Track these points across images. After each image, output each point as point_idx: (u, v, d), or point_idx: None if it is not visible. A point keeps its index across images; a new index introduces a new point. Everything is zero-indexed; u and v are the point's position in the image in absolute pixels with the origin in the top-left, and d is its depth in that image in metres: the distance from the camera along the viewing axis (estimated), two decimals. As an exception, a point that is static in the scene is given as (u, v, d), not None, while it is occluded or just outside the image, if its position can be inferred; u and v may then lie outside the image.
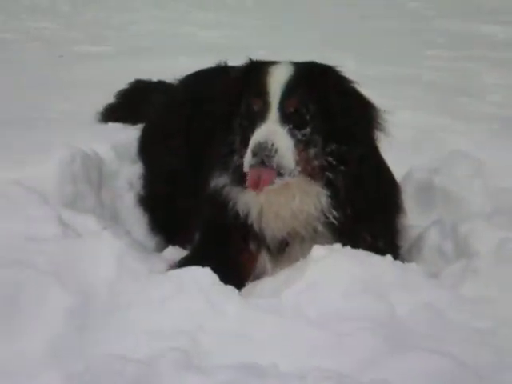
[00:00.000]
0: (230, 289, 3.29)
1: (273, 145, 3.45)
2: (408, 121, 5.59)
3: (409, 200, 4.49)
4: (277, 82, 3.61)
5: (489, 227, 3.82)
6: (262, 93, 3.61)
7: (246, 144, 3.57)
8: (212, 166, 3.86)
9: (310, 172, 3.60)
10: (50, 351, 2.92)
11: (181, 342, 2.90)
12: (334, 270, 3.33)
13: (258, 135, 3.49)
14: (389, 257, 3.49)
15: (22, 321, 2.99)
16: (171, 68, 5.80)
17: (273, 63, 3.77)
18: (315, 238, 3.70)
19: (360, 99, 3.79)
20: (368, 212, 3.74)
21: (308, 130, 3.58)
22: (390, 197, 3.98)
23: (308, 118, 3.59)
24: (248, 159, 3.48)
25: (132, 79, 5.95)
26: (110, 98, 5.82)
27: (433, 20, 11.82)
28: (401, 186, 4.20)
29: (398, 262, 3.49)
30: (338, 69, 3.79)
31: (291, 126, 3.54)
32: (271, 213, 3.68)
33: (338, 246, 3.54)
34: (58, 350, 2.92)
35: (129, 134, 5.08)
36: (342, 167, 3.63)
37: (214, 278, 3.30)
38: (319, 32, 10.15)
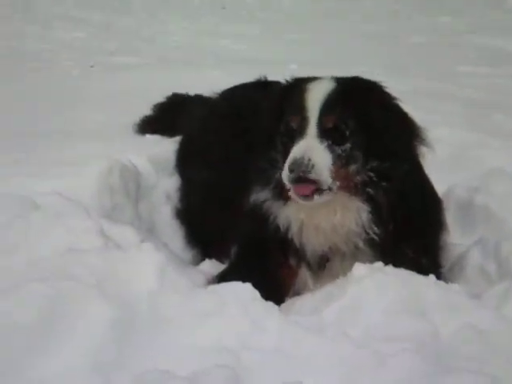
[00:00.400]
0: (271, 305, 3.27)
1: (309, 160, 3.44)
2: (445, 137, 5.53)
3: (449, 218, 4.45)
4: (315, 97, 3.61)
5: (531, 247, 3.78)
6: (301, 109, 3.60)
7: (283, 160, 3.58)
8: (252, 181, 3.86)
9: (351, 188, 3.59)
10: (92, 364, 2.90)
11: (224, 358, 2.88)
12: (376, 289, 3.30)
13: (295, 151, 3.49)
14: (431, 276, 3.45)
15: (64, 333, 2.98)
16: (203, 81, 5.83)
17: (314, 79, 3.77)
18: (356, 255, 3.68)
19: (402, 115, 3.77)
20: (411, 229, 3.71)
21: (348, 145, 3.57)
22: (434, 213, 3.94)
23: (347, 133, 3.57)
24: (285, 175, 3.48)
25: (165, 91, 5.98)
26: (144, 110, 5.84)
27: (463, 35, 11.77)
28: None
29: (441, 282, 3.46)
30: (382, 85, 3.77)
31: (330, 141, 3.54)
32: (312, 227, 3.67)
33: (379, 264, 3.51)
34: (100, 364, 2.91)
35: (166, 147, 5.10)
36: (384, 183, 3.61)
37: (255, 293, 3.27)
38: (352, 47, 10.15)
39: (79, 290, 3.12)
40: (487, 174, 4.75)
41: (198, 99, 5.46)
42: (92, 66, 9.27)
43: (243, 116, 4.50)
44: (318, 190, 3.49)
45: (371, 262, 3.60)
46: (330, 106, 3.59)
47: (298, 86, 3.74)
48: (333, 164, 3.51)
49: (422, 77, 8.32)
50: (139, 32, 12.10)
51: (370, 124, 3.61)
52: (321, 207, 3.61)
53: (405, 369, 2.88)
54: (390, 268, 3.45)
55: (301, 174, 3.44)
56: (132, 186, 4.64)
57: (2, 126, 5.99)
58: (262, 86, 4.78)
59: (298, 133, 3.58)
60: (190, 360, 2.91)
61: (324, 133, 3.54)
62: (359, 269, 3.47)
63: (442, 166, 5.00)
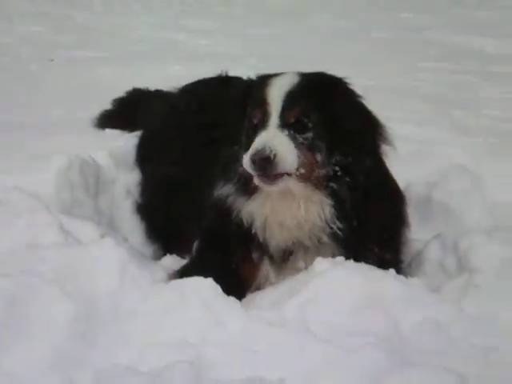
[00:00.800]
0: (233, 300, 3.28)
1: (270, 147, 3.45)
2: (405, 133, 5.55)
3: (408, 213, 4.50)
4: (277, 91, 3.62)
5: (489, 242, 3.81)
6: (262, 103, 3.62)
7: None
8: (215, 176, 3.85)
9: (315, 181, 3.60)
10: (54, 359, 2.91)
11: (186, 353, 2.88)
12: (337, 284, 3.32)
13: (257, 141, 3.51)
14: (392, 271, 3.48)
15: (24, 329, 2.98)
16: (164, 75, 5.81)
17: (277, 75, 3.78)
18: (320, 249, 3.69)
19: (366, 112, 3.79)
20: (374, 224, 3.73)
21: (310, 134, 3.58)
22: (396, 209, 3.96)
23: (310, 125, 3.59)
24: (248, 163, 3.48)
25: (125, 85, 5.94)
26: (104, 104, 5.80)
27: (424, 31, 11.84)
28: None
29: (401, 277, 3.49)
30: (346, 81, 3.79)
31: (292, 131, 3.55)
32: (276, 222, 3.67)
33: (341, 259, 3.53)
34: (61, 360, 2.91)
35: (127, 141, 5.07)
36: (347, 178, 3.63)
37: (216, 288, 3.28)
38: (314, 43, 10.17)
39: (40, 285, 3.11)
40: (446, 170, 4.79)
41: (159, 94, 5.44)
42: (52, 60, 9.17)
43: (204, 110, 4.50)
44: (281, 175, 3.50)
45: (334, 256, 3.62)
46: (291, 99, 3.60)
47: (261, 82, 3.76)
48: (296, 149, 3.53)
49: (383, 73, 8.36)
50: (98, 26, 11.99)
51: (334, 118, 3.63)
52: (284, 202, 3.62)
53: (367, 363, 2.90)
54: (351, 262, 3.47)
55: (263, 163, 3.44)
56: (92, 180, 4.60)
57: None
58: (223, 81, 4.77)
59: (261, 126, 3.59)
60: (151, 355, 2.91)
61: (286, 125, 3.56)
62: (321, 263, 3.48)
63: (402, 161, 4.99)
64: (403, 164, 4.88)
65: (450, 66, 9.35)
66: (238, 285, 3.64)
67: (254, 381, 2.69)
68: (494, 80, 8.33)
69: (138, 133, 5.07)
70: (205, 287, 3.26)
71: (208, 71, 5.00)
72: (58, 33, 11.21)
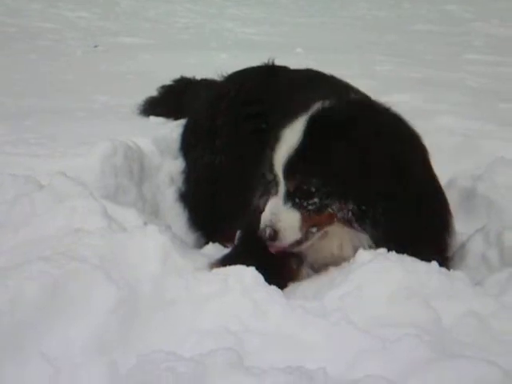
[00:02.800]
0: (274, 289, 3.28)
1: (274, 226, 3.54)
2: (451, 126, 5.55)
3: (452, 207, 4.47)
4: (281, 156, 3.60)
5: (532, 237, 3.80)
6: (271, 165, 3.65)
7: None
8: (257, 180, 3.87)
9: (339, 222, 3.59)
10: (96, 342, 2.92)
11: (227, 341, 2.89)
12: (379, 275, 3.30)
13: (264, 215, 3.59)
14: (434, 263, 3.45)
15: (68, 313, 2.99)
16: (209, 63, 5.81)
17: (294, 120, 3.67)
18: None
19: (384, 152, 3.54)
20: (415, 238, 3.63)
21: (315, 200, 3.56)
22: (439, 218, 3.85)
23: (313, 190, 3.55)
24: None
25: (170, 72, 5.97)
26: (148, 91, 5.83)
27: (469, 23, 11.73)
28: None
29: (443, 269, 3.46)
30: (376, 108, 3.71)
31: (296, 199, 3.56)
32: (311, 257, 3.75)
33: (383, 250, 3.51)
34: (104, 342, 2.93)
35: (171, 129, 5.10)
36: (367, 221, 3.56)
37: (258, 277, 3.28)
38: (357, 33, 10.12)
39: (83, 270, 3.13)
40: (491, 163, 4.75)
41: (205, 83, 5.44)
42: (96, 46, 9.25)
43: (249, 100, 4.49)
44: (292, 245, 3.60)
45: None
46: (291, 168, 3.57)
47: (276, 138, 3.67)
48: (302, 218, 3.56)
49: (428, 65, 8.29)
50: (143, 13, 12.06)
51: (339, 174, 3.52)
52: (319, 239, 3.65)
53: (407, 354, 2.88)
54: (393, 254, 3.45)
55: (269, 239, 3.56)
56: (136, 167, 4.65)
57: (8, 104, 5.99)
58: (270, 70, 4.75)
59: (273, 184, 3.66)
60: (193, 342, 2.92)
61: (289, 193, 3.59)
62: (362, 254, 3.48)
63: (447, 154, 5.01)
64: (448, 157, 4.89)
65: (496, 58, 9.26)
66: (279, 275, 3.65)
67: (295, 370, 2.69)
68: (541, 72, 8.23)
69: (183, 121, 5.08)
70: (247, 276, 3.26)
71: (254, 60, 5.00)
72: (103, 19, 11.30)
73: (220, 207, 4.44)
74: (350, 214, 3.55)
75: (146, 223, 3.88)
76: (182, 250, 3.65)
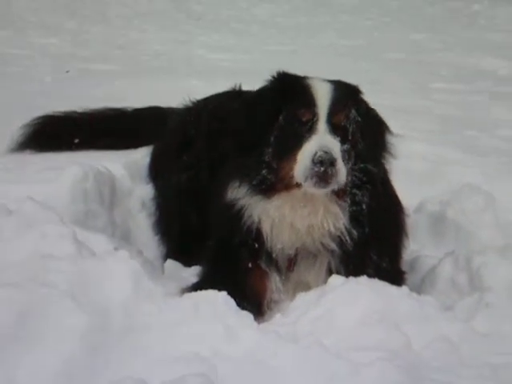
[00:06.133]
0: (245, 314, 3.28)
1: (332, 156, 3.48)
2: (419, 152, 5.62)
3: (421, 231, 4.54)
4: (323, 95, 3.66)
5: (501, 261, 3.85)
6: (311, 104, 3.63)
7: (285, 155, 3.60)
8: (227, 181, 3.86)
9: (339, 188, 3.62)
10: (65, 370, 2.88)
11: (199, 367, 2.87)
12: (350, 300, 3.33)
13: (317, 145, 3.51)
14: (405, 288, 3.50)
15: (36, 339, 2.95)
16: (182, 90, 5.81)
17: (306, 77, 3.81)
18: (324, 254, 3.76)
19: (383, 123, 3.89)
20: (379, 232, 3.78)
21: (347, 145, 3.63)
22: (398, 219, 4.03)
23: (350, 134, 3.65)
24: (306, 167, 3.49)
25: (140, 98, 5.96)
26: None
27: (438, 52, 11.89)
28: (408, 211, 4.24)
29: (414, 294, 3.49)
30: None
31: (339, 139, 3.59)
32: (287, 224, 3.70)
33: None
34: (73, 370, 2.88)
35: (141, 153, 5.08)
36: (369, 185, 3.67)
37: (230, 302, 3.28)
38: (329, 60, 10.22)
39: (53, 296, 3.09)
40: (459, 189, 4.82)
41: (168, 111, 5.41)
42: (68, 72, 9.23)
43: (217, 120, 4.49)
44: (333, 180, 3.52)
45: (337, 263, 3.72)
46: (339, 104, 3.65)
47: (298, 82, 3.76)
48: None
49: (397, 92, 8.40)
50: (114, 40, 12.06)
51: (361, 126, 3.70)
52: (303, 206, 3.66)
53: (378, 378, 2.90)
54: (363, 278, 3.47)
55: (327, 167, 3.45)
56: (107, 192, 4.62)
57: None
58: (235, 95, 4.79)
59: (307, 128, 3.60)
60: (164, 368, 2.90)
61: (335, 130, 3.59)
62: (335, 279, 3.49)
63: (416, 180, 5.07)
64: (417, 182, 4.95)
65: (463, 86, 9.40)
66: (250, 298, 3.68)
67: (266, 395, 2.69)
68: (506, 101, 8.35)
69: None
70: (218, 301, 3.25)
71: (224, 85, 5.03)
72: (74, 46, 11.28)
73: (193, 229, 4.41)
74: (356, 177, 3.66)
75: (116, 248, 3.86)
76: (153, 275, 3.65)
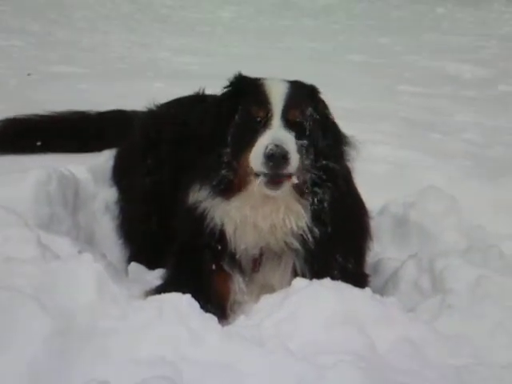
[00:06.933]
0: (210, 317, 3.27)
1: (285, 150, 3.49)
2: (383, 155, 5.67)
3: (384, 233, 4.57)
4: (277, 92, 3.70)
5: (464, 264, 3.89)
6: (264, 102, 3.67)
7: (241, 153, 3.63)
8: (189, 184, 3.87)
9: (300, 186, 3.65)
10: (29, 374, 2.85)
11: (164, 370, 2.87)
12: (314, 302, 3.33)
13: (270, 139, 3.53)
14: (368, 290, 3.51)
15: (2, 344, 2.93)
16: (145, 92, 5.80)
17: (263, 78, 3.85)
18: (288, 255, 3.78)
19: (337, 125, 3.92)
20: (343, 233, 3.80)
21: (305, 141, 3.66)
22: (362, 220, 4.07)
23: (307, 130, 3.68)
24: (259, 162, 3.51)
25: (105, 101, 5.94)
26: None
27: (402, 56, 11.98)
28: (372, 214, 4.30)
29: (377, 296, 3.51)
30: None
31: (294, 134, 3.62)
32: (250, 224, 3.72)
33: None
34: (38, 374, 2.86)
35: (106, 157, 5.06)
36: (330, 183, 3.69)
37: (194, 304, 3.28)
38: (293, 64, 10.25)
39: (16, 300, 3.07)
40: (423, 191, 4.86)
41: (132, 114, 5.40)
42: (29, 75, 9.14)
43: (179, 124, 4.52)
44: (286, 178, 3.56)
45: (302, 264, 3.75)
46: (293, 101, 3.68)
47: (254, 83, 3.81)
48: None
49: (362, 95, 8.45)
50: (78, 43, 11.99)
51: (320, 124, 3.74)
52: (264, 205, 3.68)
53: (343, 381, 2.91)
54: (327, 280, 3.49)
55: (279, 161, 3.47)
56: (70, 195, 4.60)
57: None
58: (198, 99, 4.80)
59: (262, 124, 3.62)
60: (129, 371, 2.89)
61: (289, 125, 3.62)
62: (298, 281, 3.51)
63: (380, 182, 5.11)
64: (380, 185, 4.98)
65: (428, 90, 9.48)
66: (214, 300, 3.68)
67: (231, 397, 2.69)
68: (469, 104, 8.45)
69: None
70: (182, 303, 3.25)
71: (188, 89, 5.03)
72: (37, 48, 11.18)
73: (156, 234, 4.41)
74: (316, 175, 3.68)
75: (80, 252, 3.85)
76: (117, 278, 3.64)
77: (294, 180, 3.59)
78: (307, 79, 4.00)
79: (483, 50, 12.46)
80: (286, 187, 3.59)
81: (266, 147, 3.49)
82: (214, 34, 13.55)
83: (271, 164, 3.48)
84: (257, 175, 3.57)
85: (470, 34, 14.19)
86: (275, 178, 3.53)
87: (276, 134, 3.55)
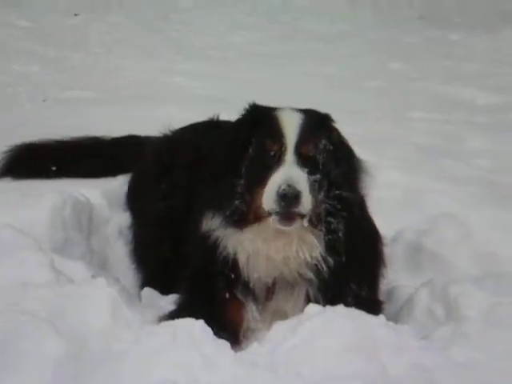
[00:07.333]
0: (223, 342, 3.28)
1: (299, 188, 3.50)
2: (396, 181, 5.67)
3: (398, 260, 4.56)
4: (291, 126, 3.69)
5: (478, 291, 3.87)
6: (278, 136, 3.67)
7: (254, 187, 3.64)
8: (201, 212, 3.89)
9: (313, 218, 3.66)
10: (42, 400, 2.89)
11: (176, 395, 2.88)
12: (327, 328, 3.33)
13: (282, 178, 3.53)
14: (381, 316, 3.51)
15: (15, 367, 2.96)
16: (161, 117, 5.83)
17: (278, 108, 3.85)
18: (301, 283, 3.78)
19: (353, 150, 3.92)
20: (357, 261, 3.80)
21: (318, 176, 3.66)
22: (376, 247, 4.06)
23: (320, 162, 3.68)
24: (272, 201, 3.52)
25: (118, 126, 5.97)
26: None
27: (414, 81, 11.99)
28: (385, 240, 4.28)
29: (391, 323, 3.51)
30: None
31: (307, 170, 3.61)
32: (262, 256, 3.73)
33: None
34: (51, 399, 2.89)
35: (120, 181, 5.09)
36: (344, 213, 3.69)
37: (207, 330, 3.28)
38: (305, 89, 10.27)
39: (31, 324, 3.10)
40: (436, 217, 4.86)
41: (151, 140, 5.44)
42: (45, 100, 9.21)
43: (194, 150, 4.54)
44: (298, 215, 3.56)
45: (315, 292, 3.75)
46: (307, 135, 3.69)
47: (268, 114, 3.80)
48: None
49: (373, 121, 8.46)
50: (94, 67, 12.06)
51: (333, 154, 3.74)
52: (277, 237, 3.68)
53: (355, 408, 2.92)
54: (340, 307, 3.49)
55: (291, 201, 3.48)
56: (85, 219, 4.63)
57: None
58: (213, 125, 4.83)
59: (275, 160, 3.63)
60: (142, 397, 2.90)
61: (302, 161, 3.62)
62: (311, 308, 3.51)
63: (393, 208, 5.11)
64: (393, 211, 4.98)
65: (440, 116, 9.46)
66: (227, 327, 3.69)
67: (244, 424, 2.69)
68: (483, 131, 8.43)
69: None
70: (196, 329, 3.26)
71: (202, 113, 5.06)
72: (53, 73, 11.26)
73: (170, 255, 4.42)
74: (330, 205, 3.67)
75: (94, 276, 3.88)
76: (130, 302, 3.66)
77: (307, 217, 3.60)
78: (320, 104, 4.01)
79: (496, 77, 12.44)
80: (300, 223, 3.60)
81: (279, 187, 3.49)
82: (225, 58, 13.59)
83: (283, 204, 3.49)
84: (269, 213, 3.58)
85: (482, 60, 14.17)
86: (288, 215, 3.54)
87: (289, 173, 3.55)
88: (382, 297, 4.14)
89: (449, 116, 9.45)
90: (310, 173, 3.63)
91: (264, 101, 3.97)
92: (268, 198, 3.54)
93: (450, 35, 16.71)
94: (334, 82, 11.48)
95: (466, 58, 14.51)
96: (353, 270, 3.80)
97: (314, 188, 3.63)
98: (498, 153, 7.35)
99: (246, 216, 3.69)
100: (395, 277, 4.56)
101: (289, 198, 3.48)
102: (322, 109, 3.96)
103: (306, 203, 3.54)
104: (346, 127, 3.92)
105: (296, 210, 3.52)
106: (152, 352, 3.12)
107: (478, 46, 15.76)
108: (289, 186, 3.49)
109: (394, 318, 3.91)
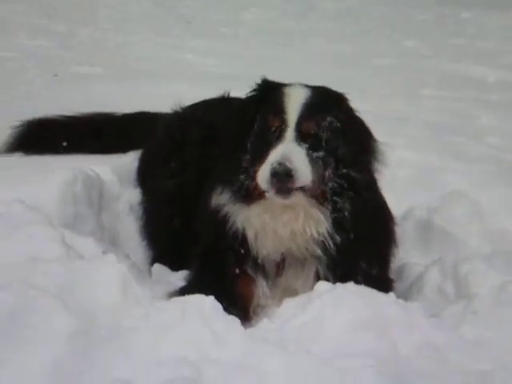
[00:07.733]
0: (232, 318, 3.28)
1: (291, 166, 3.49)
2: (406, 159, 5.65)
3: (408, 238, 4.55)
4: (295, 102, 3.68)
5: (488, 269, 3.88)
6: (280, 112, 3.65)
7: (257, 162, 3.63)
8: (212, 187, 3.89)
9: (319, 195, 3.65)
10: (52, 373, 2.88)
11: (186, 371, 2.88)
12: (337, 306, 3.32)
13: (277, 155, 3.53)
14: (392, 294, 3.50)
15: (25, 342, 2.96)
16: (172, 94, 5.81)
17: (288, 84, 3.83)
18: (311, 260, 3.77)
19: (368, 130, 3.88)
20: (366, 240, 3.79)
21: (321, 152, 3.64)
22: (387, 227, 4.05)
23: (323, 140, 3.65)
24: (264, 178, 3.53)
25: (128, 102, 5.95)
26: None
27: (426, 59, 11.93)
28: (397, 220, 4.26)
29: (401, 301, 3.50)
30: (348, 97, 3.87)
31: (307, 146, 3.59)
32: (270, 231, 3.72)
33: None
34: (60, 372, 2.89)
35: (131, 158, 5.09)
36: (351, 192, 3.67)
37: (217, 306, 3.28)
38: (317, 66, 10.24)
39: (40, 299, 3.10)
40: (447, 195, 4.85)
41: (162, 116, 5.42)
42: (56, 75, 9.19)
43: (204, 126, 4.56)
44: (296, 189, 3.56)
45: (325, 269, 3.74)
46: (309, 112, 3.66)
47: (274, 90, 3.79)
48: (310, 164, 3.58)
49: (385, 99, 8.42)
50: (102, 43, 12.02)
51: (342, 132, 3.70)
52: (284, 212, 3.68)
53: (365, 384, 2.91)
54: (351, 285, 3.48)
55: (283, 178, 3.48)
56: (95, 195, 4.63)
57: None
58: (224, 102, 4.82)
59: (276, 136, 3.63)
60: (151, 372, 2.90)
61: (302, 138, 3.61)
62: (321, 285, 3.50)
63: (403, 186, 5.09)
64: (404, 189, 4.96)
65: (451, 93, 9.42)
66: (237, 303, 3.70)
67: (253, 399, 2.70)
68: (494, 108, 8.39)
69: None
70: (206, 305, 3.25)
71: (213, 90, 5.04)
72: (62, 48, 11.23)
73: (182, 235, 4.42)
74: (337, 183, 3.67)
75: (104, 252, 3.89)
76: (140, 278, 3.66)
77: (306, 190, 3.59)
78: (331, 82, 3.99)
79: (507, 55, 12.37)
80: (299, 196, 3.59)
81: (272, 165, 3.50)
82: (237, 35, 13.54)
83: (275, 181, 3.50)
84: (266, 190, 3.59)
85: (494, 38, 14.09)
86: (283, 189, 3.53)
87: (283, 151, 3.55)
88: (392, 275, 4.13)
89: (460, 94, 9.40)
90: (311, 149, 3.61)
91: (275, 78, 3.95)
92: (262, 176, 3.55)
93: (462, 13, 16.60)
94: (345, 59, 11.43)
95: (477, 35, 14.42)
96: (362, 248, 3.79)
97: (318, 164, 3.61)
98: (508, 131, 7.31)
99: (252, 192, 3.69)
100: (405, 255, 4.56)
101: (280, 175, 3.48)
102: (333, 86, 3.94)
103: (303, 177, 3.53)
104: (356, 105, 3.90)
105: (290, 185, 3.51)
106: (162, 328, 3.11)
107: (489, 24, 15.67)
108: (279, 164, 3.48)
109: (404, 296, 3.91)
